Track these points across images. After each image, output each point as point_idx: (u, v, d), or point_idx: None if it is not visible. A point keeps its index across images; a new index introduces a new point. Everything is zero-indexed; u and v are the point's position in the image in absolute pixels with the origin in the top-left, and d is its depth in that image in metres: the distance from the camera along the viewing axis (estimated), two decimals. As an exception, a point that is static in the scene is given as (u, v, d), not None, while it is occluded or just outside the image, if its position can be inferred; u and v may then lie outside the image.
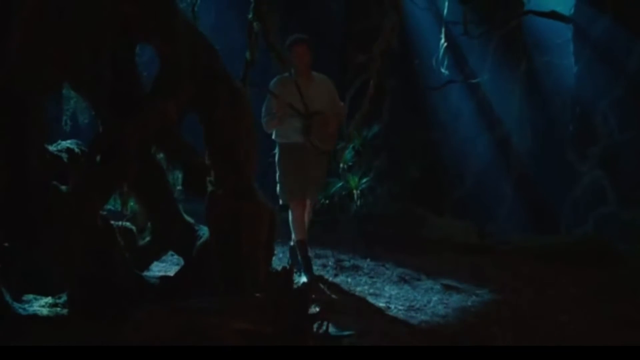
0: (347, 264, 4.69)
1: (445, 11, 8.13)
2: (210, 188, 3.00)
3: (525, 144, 8.32)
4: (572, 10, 7.91)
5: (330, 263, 4.78)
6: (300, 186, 4.50)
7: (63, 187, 2.94)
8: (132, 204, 4.20)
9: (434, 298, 3.98)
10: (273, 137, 4.62)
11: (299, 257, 4.45)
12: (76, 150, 3.33)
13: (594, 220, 7.59)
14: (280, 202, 4.59)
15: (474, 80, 7.92)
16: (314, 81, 4.54)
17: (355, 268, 4.58)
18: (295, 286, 3.37)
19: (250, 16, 3.21)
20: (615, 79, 7.49)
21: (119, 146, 3.04)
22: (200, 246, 3.37)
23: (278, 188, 4.60)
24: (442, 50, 8.36)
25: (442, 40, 8.34)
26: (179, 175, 3.64)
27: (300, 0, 8.16)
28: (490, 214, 7.95)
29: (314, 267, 4.71)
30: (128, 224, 3.73)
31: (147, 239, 3.69)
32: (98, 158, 3.06)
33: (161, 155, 3.56)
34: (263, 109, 4.45)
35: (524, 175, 8.25)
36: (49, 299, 3.06)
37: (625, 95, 7.43)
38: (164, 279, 3.44)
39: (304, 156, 4.50)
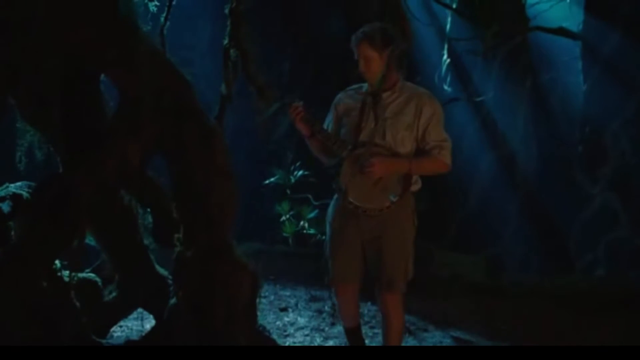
0: (345, 307, 4.08)
1: (448, 27, 7.62)
2: (178, 248, 2.41)
3: (532, 164, 7.74)
4: (581, 27, 7.34)
5: (326, 308, 4.17)
6: (346, 262, 2.78)
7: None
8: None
9: (444, 357, 3.37)
10: None
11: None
12: (25, 195, 2.74)
13: (605, 244, 7.03)
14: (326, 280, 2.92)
15: (478, 99, 7.36)
16: (396, 96, 2.74)
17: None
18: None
19: (225, 42, 2.62)
20: (627, 98, 6.93)
21: (71, 193, 2.47)
22: (173, 307, 2.77)
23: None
24: (444, 67, 7.84)
25: (445, 57, 7.82)
26: (150, 220, 3.07)
27: (299, 17, 7.61)
28: (495, 235, 7.40)
29: (309, 313, 4.11)
30: (93, 275, 3.15)
31: (114, 293, 3.11)
32: (46, 207, 2.50)
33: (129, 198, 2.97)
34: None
35: (531, 196, 7.68)
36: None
37: (637, 115, 6.86)
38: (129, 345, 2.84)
39: (353, 218, 2.74)
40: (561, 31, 7.33)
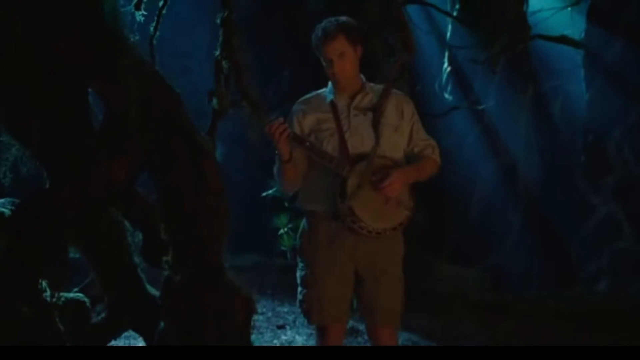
0: (344, 325, 3.90)
1: (449, 35, 7.49)
2: (166, 271, 2.25)
3: (533, 173, 7.60)
4: (583, 35, 7.21)
5: (325, 325, 4.01)
6: (340, 297, 2.36)
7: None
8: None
9: (448, 380, 3.20)
10: (297, 201, 2.49)
11: None
12: (7, 213, 2.58)
13: (609, 255, 6.88)
14: (307, 321, 2.47)
15: (479, 107, 7.22)
16: (370, 97, 2.43)
17: (354, 332, 3.79)
18: None
19: (217, 53, 2.46)
20: (630, 107, 6.79)
21: (54, 212, 2.31)
22: (162, 332, 2.61)
23: (299, 294, 2.43)
24: (445, 75, 7.71)
25: (446, 65, 7.69)
26: (141, 238, 2.91)
27: (298, 24, 7.48)
28: (496, 245, 7.25)
29: (307, 331, 3.94)
30: (81, 295, 2.99)
31: (103, 314, 2.95)
32: (27, 226, 2.35)
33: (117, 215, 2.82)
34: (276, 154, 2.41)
35: (532, 205, 7.53)
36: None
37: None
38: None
39: (346, 240, 2.34)
40: (563, 39, 7.20)
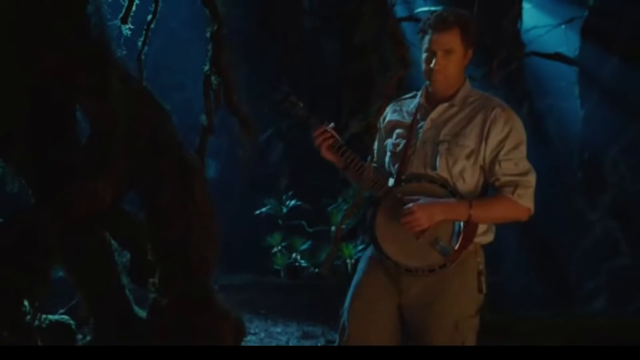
0: (339, 346, 3.79)
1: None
2: (152, 294, 2.16)
3: (529, 190, 7.53)
4: (577, 52, 7.20)
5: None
6: (363, 329, 1.98)
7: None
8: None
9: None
10: None
11: None
12: (-12, 234, 2.48)
13: (607, 272, 6.81)
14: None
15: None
16: (456, 110, 1.99)
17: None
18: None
19: (206, 68, 2.41)
20: (625, 123, 6.76)
21: (37, 234, 2.22)
22: (149, 356, 2.51)
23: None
24: (440, 92, 7.66)
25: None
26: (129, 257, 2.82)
27: (293, 42, 7.46)
28: (493, 263, 7.14)
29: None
30: (66, 317, 2.88)
31: (89, 337, 2.85)
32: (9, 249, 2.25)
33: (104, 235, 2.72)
34: None
35: (529, 223, 7.42)
36: None
37: (636, 141, 6.69)
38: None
39: (393, 272, 1.97)
40: (557, 56, 7.20)
